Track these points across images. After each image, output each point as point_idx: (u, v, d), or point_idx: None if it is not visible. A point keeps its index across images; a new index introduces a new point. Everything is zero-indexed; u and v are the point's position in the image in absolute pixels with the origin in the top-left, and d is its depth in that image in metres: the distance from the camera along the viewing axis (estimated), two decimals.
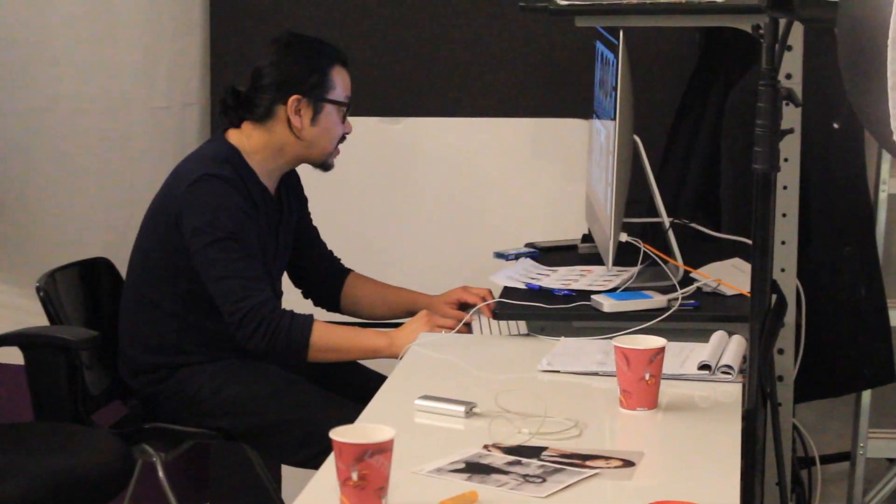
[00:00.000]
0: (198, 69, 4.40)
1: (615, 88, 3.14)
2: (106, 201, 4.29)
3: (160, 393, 3.35)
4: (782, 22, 2.49)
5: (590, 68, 3.68)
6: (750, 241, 2.57)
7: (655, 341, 2.63)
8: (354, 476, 2.10)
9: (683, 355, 2.86)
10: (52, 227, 4.26)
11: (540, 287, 3.27)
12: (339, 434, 2.13)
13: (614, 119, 3.14)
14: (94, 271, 3.59)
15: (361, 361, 3.44)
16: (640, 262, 3.29)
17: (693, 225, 3.65)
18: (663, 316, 3.04)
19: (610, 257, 3.20)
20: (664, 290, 3.16)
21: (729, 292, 3.21)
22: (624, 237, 3.31)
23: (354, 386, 3.36)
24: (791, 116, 3.05)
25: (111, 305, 3.52)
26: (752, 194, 2.53)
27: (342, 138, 3.42)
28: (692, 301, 3.15)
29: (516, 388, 2.72)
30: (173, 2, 4.33)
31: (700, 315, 3.10)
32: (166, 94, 4.35)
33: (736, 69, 3.92)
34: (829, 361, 3.70)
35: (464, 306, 3.37)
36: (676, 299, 3.11)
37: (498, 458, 2.36)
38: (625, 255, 3.30)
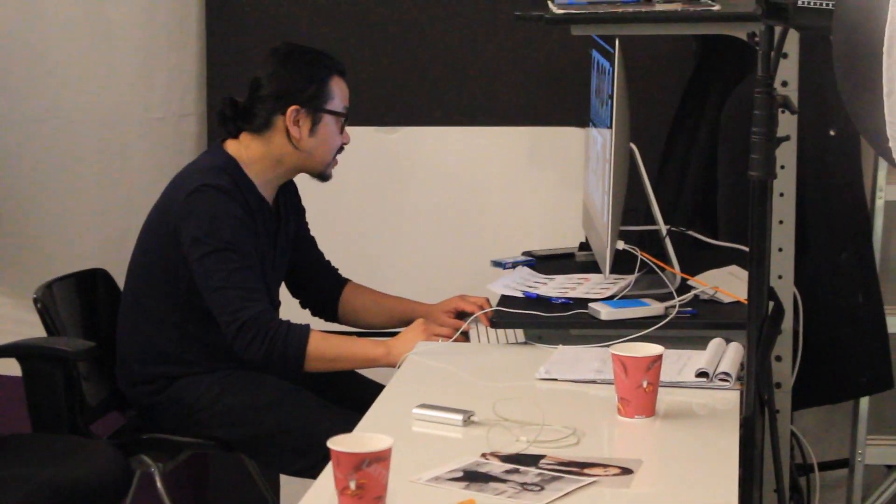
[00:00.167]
0: (194, 80, 4.40)
1: (611, 97, 3.14)
2: (103, 212, 4.30)
3: (158, 403, 3.35)
4: (777, 30, 2.50)
5: (586, 77, 3.68)
6: (747, 249, 2.58)
7: (653, 349, 2.63)
8: (352, 485, 2.11)
9: (681, 363, 2.86)
10: (49, 238, 4.27)
11: (537, 295, 3.27)
12: (336, 443, 2.13)
13: (610, 127, 3.14)
14: (91, 282, 3.59)
15: (359, 371, 3.44)
16: (637, 269, 3.29)
17: (690, 232, 3.66)
18: (661, 324, 3.04)
19: (607, 265, 3.20)
20: (661, 298, 3.16)
21: (726, 300, 3.21)
22: (621, 245, 3.31)
23: (352, 395, 3.36)
24: (787, 123, 3.05)
25: (108, 316, 3.52)
26: (748, 201, 2.53)
27: (340, 149, 3.43)
28: (690, 308, 3.15)
29: (514, 397, 2.72)
30: (170, 13, 4.34)
31: (697, 322, 3.10)
32: (163, 104, 4.36)
33: (732, 77, 3.93)
34: (827, 368, 3.70)
35: (461, 315, 3.37)
36: (674, 307, 3.11)
37: (496, 467, 2.36)
38: (622, 263, 3.31)
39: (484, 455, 2.42)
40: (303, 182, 3.50)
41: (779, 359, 3.29)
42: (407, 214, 4.26)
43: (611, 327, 3.05)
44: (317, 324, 3.48)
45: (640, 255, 3.32)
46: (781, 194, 3.26)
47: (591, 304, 3.14)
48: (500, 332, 3.26)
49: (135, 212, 3.83)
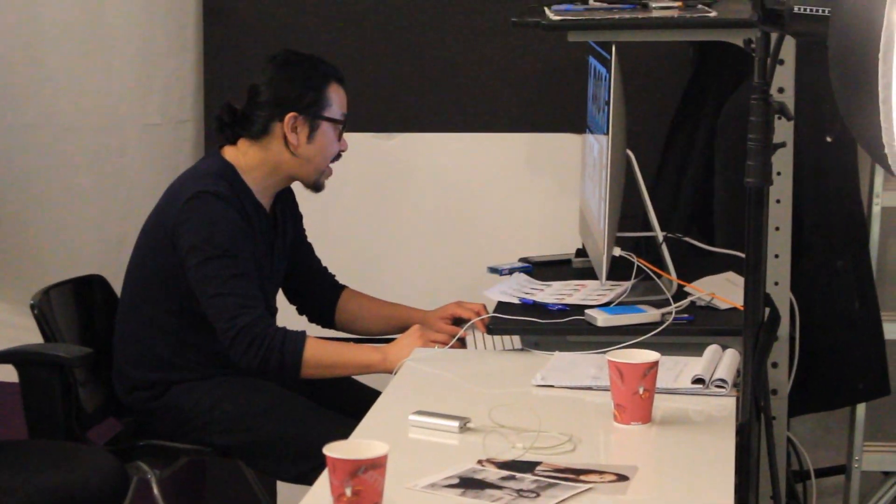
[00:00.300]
0: (192, 86, 4.41)
1: (608, 103, 3.15)
2: (101, 218, 4.30)
3: (155, 409, 3.35)
4: (774, 36, 2.51)
5: (583, 83, 3.68)
6: (743, 255, 2.58)
7: (649, 355, 2.63)
8: (348, 492, 2.11)
9: (677, 369, 2.86)
10: (46, 245, 4.27)
11: (534, 302, 3.28)
12: (332, 450, 2.13)
13: (607, 133, 3.14)
14: (88, 288, 3.59)
15: (355, 377, 3.44)
16: (633, 276, 3.29)
17: (687, 239, 3.66)
18: (657, 330, 3.04)
19: (603, 272, 3.20)
20: (658, 305, 3.17)
21: (723, 306, 3.21)
22: (617, 251, 3.32)
23: (349, 401, 3.36)
24: (783, 130, 3.05)
25: (106, 322, 3.52)
26: (745, 208, 2.53)
27: (338, 156, 3.43)
28: (686, 315, 3.15)
29: (510, 403, 2.72)
30: (167, 19, 4.34)
31: (694, 329, 3.11)
32: (160, 110, 4.36)
33: (729, 83, 3.93)
34: (824, 375, 3.70)
35: (458, 321, 3.37)
36: (670, 313, 3.11)
37: (492, 473, 2.36)
38: (619, 270, 3.31)
39: (480, 462, 2.42)
40: (301, 188, 3.50)
41: (775, 365, 3.29)
42: (404, 220, 4.26)
43: (607, 334, 3.06)
44: (314, 330, 3.47)
45: (636, 261, 3.32)
46: (778, 201, 3.26)
47: (587, 311, 3.14)
48: (497, 338, 3.26)
49: (132, 217, 3.83)
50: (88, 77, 4.28)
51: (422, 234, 4.25)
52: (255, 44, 4.32)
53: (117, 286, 3.50)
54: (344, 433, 2.53)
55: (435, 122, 4.35)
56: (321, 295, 3.61)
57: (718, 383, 2.78)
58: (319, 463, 2.17)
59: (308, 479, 2.65)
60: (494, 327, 3.18)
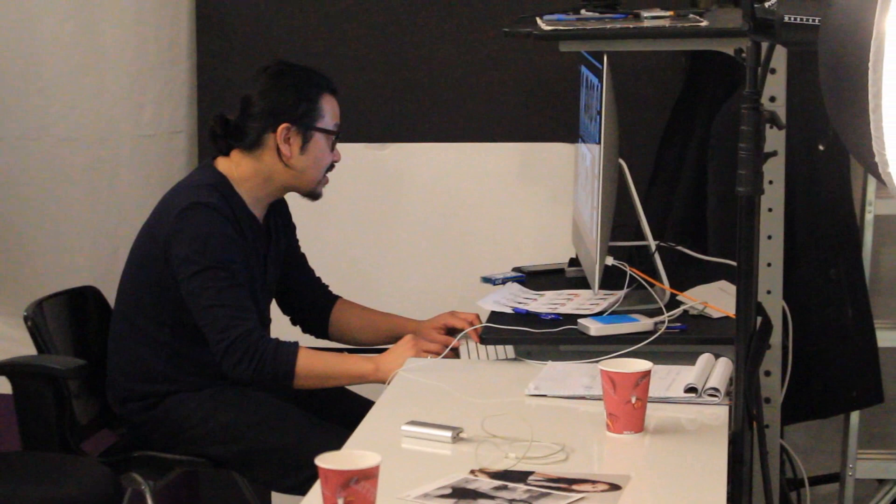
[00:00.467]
0: (185, 97, 4.41)
1: (599, 112, 3.15)
2: (94, 230, 4.30)
3: (149, 421, 3.35)
4: (764, 45, 2.51)
5: (575, 92, 3.69)
6: (735, 264, 2.58)
7: (641, 365, 2.63)
8: (340, 502, 2.10)
9: (670, 378, 2.86)
10: (39, 256, 4.27)
11: (527, 311, 3.28)
12: (324, 461, 2.13)
13: (599, 143, 3.15)
14: (82, 300, 3.59)
15: (349, 387, 3.44)
16: (626, 285, 3.29)
17: (679, 248, 3.67)
18: (650, 339, 3.05)
19: (596, 281, 3.21)
20: (651, 314, 3.17)
21: (715, 315, 3.22)
22: (610, 261, 3.32)
23: (342, 412, 3.36)
24: (775, 139, 3.06)
25: (99, 334, 3.51)
26: (737, 217, 2.54)
27: (331, 166, 3.43)
28: (679, 324, 3.15)
29: (503, 413, 2.72)
30: (160, 30, 4.35)
31: (687, 338, 3.11)
32: (154, 122, 4.36)
33: (721, 92, 3.94)
34: (818, 383, 3.71)
35: (451, 331, 3.37)
36: (663, 322, 3.12)
37: (484, 483, 2.36)
38: (612, 279, 3.31)
39: (473, 472, 2.42)
40: (294, 199, 3.50)
41: (768, 374, 3.29)
42: (397, 230, 4.26)
43: (600, 343, 3.06)
44: (307, 340, 3.48)
45: (629, 270, 3.33)
46: (770, 209, 3.27)
47: (580, 320, 3.14)
48: (490, 348, 3.26)
49: (126, 229, 3.83)
50: (82, 89, 4.28)
51: (415, 244, 4.25)
52: (249, 55, 4.33)
53: (111, 297, 3.50)
54: (337, 443, 2.53)
55: (428, 132, 4.36)
56: (314, 306, 3.61)
57: (711, 392, 2.78)
58: (313, 473, 2.16)
59: (302, 489, 2.64)
60: (487, 337, 3.18)
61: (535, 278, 3.63)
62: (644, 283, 3.31)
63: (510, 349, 3.22)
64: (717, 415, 2.73)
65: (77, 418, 3.37)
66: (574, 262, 3.70)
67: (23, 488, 3.06)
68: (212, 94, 4.40)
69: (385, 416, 2.80)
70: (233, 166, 3.37)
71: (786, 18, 2.37)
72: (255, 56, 4.21)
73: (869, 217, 3.89)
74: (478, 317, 3.35)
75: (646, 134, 4.17)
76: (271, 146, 3.34)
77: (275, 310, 3.58)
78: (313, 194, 3.42)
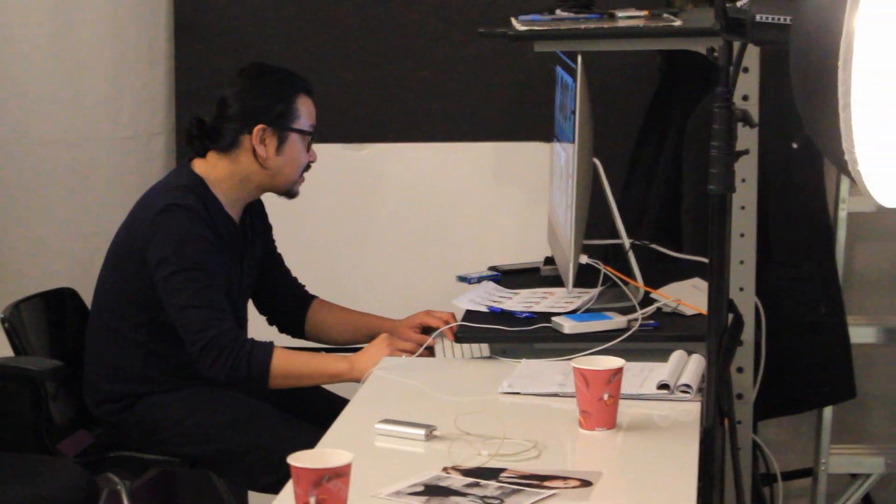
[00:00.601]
0: (163, 99, 4.41)
1: (574, 112, 3.16)
2: (71, 231, 4.30)
3: (125, 421, 3.36)
4: (736, 44, 2.52)
5: (552, 92, 3.70)
6: None
7: (614, 362, 2.65)
8: (312, 501, 2.12)
9: (643, 375, 2.88)
10: (17, 258, 4.26)
11: (502, 310, 3.29)
12: (296, 459, 2.14)
13: (573, 142, 3.16)
14: (59, 301, 3.60)
15: (324, 386, 3.46)
16: (600, 283, 3.31)
17: (653, 246, 3.68)
18: (623, 336, 3.07)
19: (570, 279, 3.22)
20: (625, 311, 3.19)
21: (688, 312, 3.23)
22: (584, 259, 3.33)
23: (318, 411, 3.37)
24: (748, 137, 3.07)
25: (77, 336, 3.52)
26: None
27: (307, 167, 3.44)
28: (652, 321, 3.17)
29: (477, 411, 2.73)
30: (138, 33, 4.35)
31: (660, 335, 3.13)
32: (132, 124, 4.36)
33: (697, 91, 3.95)
34: (791, 379, 3.73)
35: (427, 330, 3.37)
36: (636, 320, 3.13)
37: (457, 481, 2.38)
38: (586, 277, 3.33)
39: (445, 469, 2.43)
40: (271, 199, 3.51)
41: (741, 370, 3.31)
42: (374, 231, 4.27)
43: (574, 341, 3.07)
44: (284, 340, 3.49)
45: (603, 268, 3.34)
46: (743, 207, 3.29)
47: (554, 318, 3.16)
48: (466, 346, 3.27)
49: (103, 231, 3.83)
50: (60, 91, 4.28)
51: (392, 244, 4.26)
52: (227, 57, 4.33)
53: (89, 299, 3.51)
54: (312, 442, 2.55)
55: (404, 132, 4.37)
56: (291, 306, 3.62)
57: (683, 389, 2.80)
58: (288, 472, 2.17)
59: (278, 488, 2.64)
60: (462, 335, 3.20)
61: (511, 277, 3.64)
62: (618, 280, 3.33)
63: (485, 347, 3.23)
64: (690, 411, 2.74)
65: (54, 419, 3.37)
66: (549, 260, 3.71)
67: None
68: (190, 97, 4.40)
69: (359, 414, 2.81)
70: (209, 168, 3.38)
71: (757, 18, 2.38)
72: (234, 58, 4.21)
73: (842, 214, 3.90)
74: (453, 315, 3.36)
75: (622, 133, 4.18)
76: (247, 147, 3.35)
77: (251, 309, 3.59)
78: (290, 193, 3.43)
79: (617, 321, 3.13)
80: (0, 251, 4.27)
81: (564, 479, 2.38)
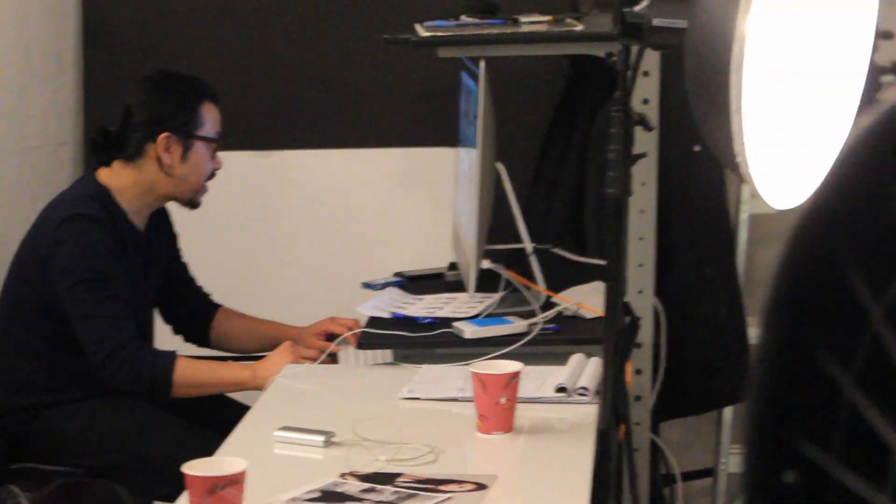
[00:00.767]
0: (71, 109, 4.39)
1: (476, 117, 3.19)
2: None
3: (28, 433, 3.34)
4: (634, 49, 2.56)
5: (457, 97, 3.73)
6: None
7: (510, 366, 2.67)
8: None
9: (542, 379, 2.90)
10: None
11: (405, 316, 3.30)
12: (190, 467, 2.15)
13: (476, 147, 3.18)
14: None
15: (228, 394, 3.46)
16: (502, 288, 3.33)
17: (556, 250, 3.71)
18: (523, 340, 3.08)
19: (472, 284, 3.24)
20: (526, 315, 3.21)
21: (589, 315, 3.25)
22: (486, 264, 3.35)
23: (220, 419, 3.34)
24: (648, 141, 3.10)
25: None
26: None
27: (212, 175, 3.44)
28: (553, 325, 3.19)
29: (376, 417, 2.75)
30: (46, 41, 4.32)
31: (560, 339, 3.15)
32: (40, 133, 4.33)
33: (602, 97, 3.98)
34: (692, 380, 3.76)
35: (331, 337, 3.38)
36: (537, 324, 3.16)
37: (353, 486, 2.39)
38: (489, 282, 3.35)
39: (343, 475, 2.44)
40: (178, 207, 3.51)
41: (639, 372, 3.34)
42: (280, 238, 4.28)
43: (475, 345, 3.08)
44: (189, 349, 3.49)
45: (504, 273, 3.37)
46: (642, 211, 3.32)
47: (455, 324, 3.17)
48: (370, 353, 3.27)
49: (8, 241, 3.80)
50: None
51: (298, 251, 4.27)
52: (136, 66, 4.31)
53: None
54: (214, 450, 2.55)
55: (311, 138, 4.38)
56: (195, 315, 3.62)
57: (581, 391, 2.83)
58: None
59: (178, 497, 2.66)
60: (365, 342, 3.21)
61: (415, 283, 3.65)
62: (518, 285, 3.36)
63: (389, 354, 3.24)
64: (587, 413, 2.77)
65: None
66: (454, 265, 3.73)
67: None
68: (98, 106, 4.38)
69: (259, 422, 2.82)
70: (113, 177, 3.37)
71: (654, 22, 2.40)
72: (142, 67, 4.17)
73: (743, 216, 3.95)
74: (357, 322, 3.38)
75: (527, 138, 4.21)
76: (152, 156, 3.35)
77: (157, 319, 3.58)
78: (192, 203, 3.43)
79: (518, 325, 3.15)
80: None
81: (460, 482, 2.40)
